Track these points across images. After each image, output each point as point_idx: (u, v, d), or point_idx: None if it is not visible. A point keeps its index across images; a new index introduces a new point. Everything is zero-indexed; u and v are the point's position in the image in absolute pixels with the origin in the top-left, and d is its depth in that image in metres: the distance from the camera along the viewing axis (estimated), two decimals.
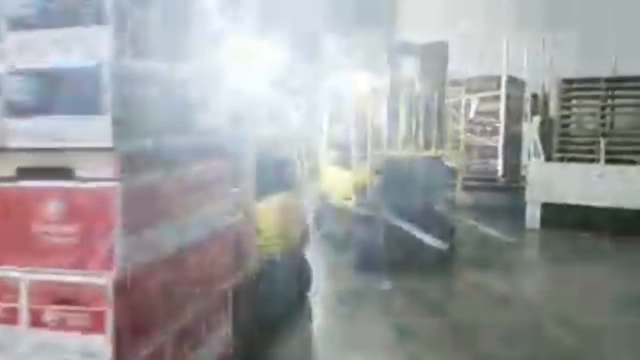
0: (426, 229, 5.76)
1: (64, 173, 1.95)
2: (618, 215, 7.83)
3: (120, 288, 1.91)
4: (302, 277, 5.02)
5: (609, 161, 8.26)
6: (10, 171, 2.00)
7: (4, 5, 1.99)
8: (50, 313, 1.94)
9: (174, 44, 2.33)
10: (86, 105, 1.91)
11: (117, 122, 1.91)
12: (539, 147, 8.69)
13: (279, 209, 4.42)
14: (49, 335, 1.94)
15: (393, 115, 6.35)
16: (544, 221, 8.50)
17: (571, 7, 11.77)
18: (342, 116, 7.02)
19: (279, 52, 4.46)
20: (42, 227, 1.95)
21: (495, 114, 9.41)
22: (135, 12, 2.01)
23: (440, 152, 6.34)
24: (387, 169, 6.23)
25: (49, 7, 1.94)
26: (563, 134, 9.03)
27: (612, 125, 8.79)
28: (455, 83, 8.44)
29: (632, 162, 8.18)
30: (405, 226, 5.79)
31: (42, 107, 1.96)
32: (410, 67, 7.18)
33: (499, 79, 9.48)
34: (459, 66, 7.71)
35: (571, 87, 9.05)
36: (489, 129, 9.45)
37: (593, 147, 8.53)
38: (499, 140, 9.35)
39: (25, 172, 1.99)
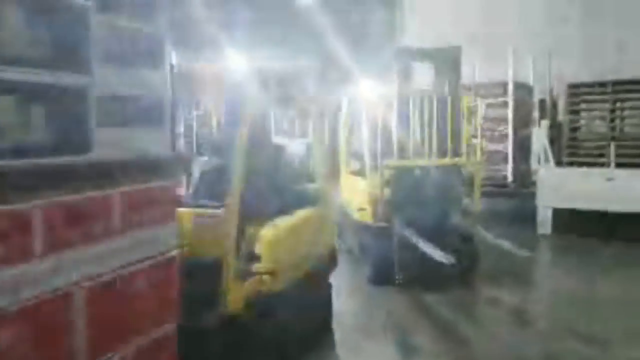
0: (439, 243, 5.41)
1: None
2: (630, 219, 7.75)
3: None
4: (323, 308, 4.55)
5: (619, 165, 8.21)
6: None
7: None
8: None
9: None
10: None
11: None
12: (549, 152, 8.63)
13: (294, 231, 3.92)
14: None
15: (404, 123, 6.23)
16: (556, 226, 8.43)
17: (575, 10, 11.73)
18: (360, 124, 6.89)
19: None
20: None
21: (503, 119, 9.34)
22: None
23: (456, 159, 6.20)
24: (397, 179, 6.11)
25: None
26: (572, 139, 8.98)
27: (621, 129, 8.74)
28: (465, 88, 8.37)
29: None
30: (416, 240, 5.54)
31: None
32: (421, 72, 7.11)
33: (505, 84, 9.42)
34: (467, 71, 7.62)
35: (579, 92, 9.02)
36: (497, 134, 9.37)
37: (603, 151, 8.48)
38: (508, 146, 9.27)
39: None
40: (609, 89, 8.62)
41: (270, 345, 3.55)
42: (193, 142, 4.59)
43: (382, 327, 4.91)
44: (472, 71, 8.93)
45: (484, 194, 8.67)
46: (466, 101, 6.78)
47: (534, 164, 8.97)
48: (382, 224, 5.93)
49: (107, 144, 2.24)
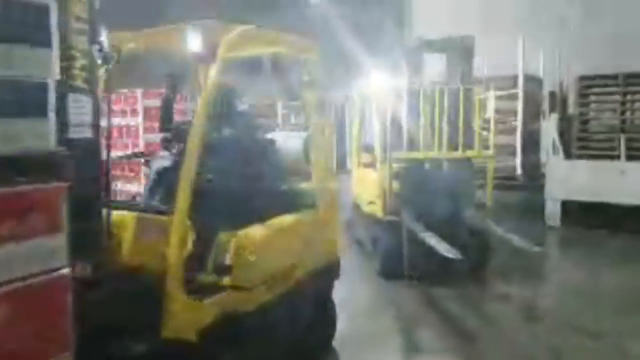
0: (449, 238, 5.33)
1: None
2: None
3: None
4: (320, 329, 4.01)
5: (630, 157, 8.16)
6: None
7: None
8: None
9: None
10: None
11: None
12: (558, 144, 8.59)
13: (277, 238, 3.38)
14: None
15: (414, 114, 6.19)
16: (565, 219, 8.41)
17: (585, 4, 11.65)
18: (371, 116, 6.85)
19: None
20: None
21: (513, 112, 9.30)
22: None
23: (468, 152, 6.15)
24: (407, 172, 6.07)
25: None
26: (582, 131, 8.92)
27: (632, 121, 8.69)
28: (475, 80, 8.33)
29: None
30: (422, 234, 5.46)
31: None
32: (432, 63, 7.04)
33: (515, 77, 9.37)
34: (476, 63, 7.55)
35: (589, 84, 8.96)
36: (507, 127, 9.33)
37: (613, 144, 8.43)
38: (517, 139, 9.23)
39: None
40: (620, 81, 8.56)
41: None
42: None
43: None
44: (482, 63, 8.87)
45: (493, 187, 8.62)
46: (478, 93, 6.74)
47: (543, 157, 8.93)
48: (392, 218, 5.90)
49: None
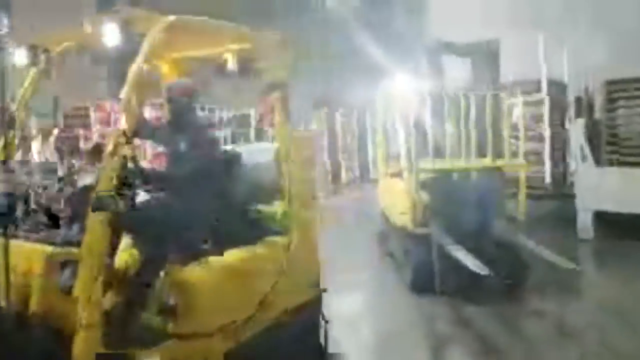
0: (479, 252, 5.10)
1: None
2: None
3: None
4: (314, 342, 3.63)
5: None
6: None
7: None
8: None
9: None
10: None
11: None
12: (587, 150, 8.23)
13: (235, 272, 2.85)
14: None
15: (440, 121, 5.92)
16: (598, 230, 8.01)
17: (613, 8, 11.35)
18: (394, 122, 6.57)
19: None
20: None
21: (539, 118, 8.97)
22: None
23: (498, 161, 5.83)
24: (435, 182, 5.78)
25: None
26: (612, 135, 8.55)
27: None
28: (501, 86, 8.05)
29: None
30: (451, 248, 5.24)
31: None
32: (457, 68, 6.77)
33: (539, 82, 9.06)
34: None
35: (617, 89, 8.62)
36: (534, 133, 8.99)
37: None
38: (546, 146, 8.88)
39: None
40: None
41: None
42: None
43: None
44: (507, 68, 8.57)
45: None
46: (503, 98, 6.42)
47: (572, 164, 8.56)
48: (422, 230, 5.60)
49: None
